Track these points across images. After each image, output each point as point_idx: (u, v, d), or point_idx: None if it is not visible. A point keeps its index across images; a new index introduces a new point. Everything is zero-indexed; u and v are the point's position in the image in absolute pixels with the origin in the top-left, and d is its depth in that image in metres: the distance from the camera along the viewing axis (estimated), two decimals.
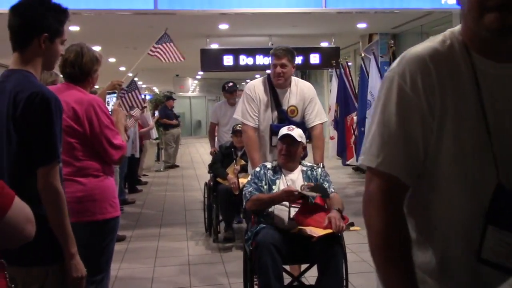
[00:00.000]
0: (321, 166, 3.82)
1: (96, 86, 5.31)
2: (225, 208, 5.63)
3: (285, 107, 4.04)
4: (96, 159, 2.75)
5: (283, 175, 3.55)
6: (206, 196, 6.30)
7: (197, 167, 12.87)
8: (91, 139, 2.72)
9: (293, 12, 7.43)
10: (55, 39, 2.10)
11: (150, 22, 7.80)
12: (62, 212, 2.03)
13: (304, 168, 3.62)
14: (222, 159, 5.96)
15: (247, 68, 11.00)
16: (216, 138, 7.09)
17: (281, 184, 3.51)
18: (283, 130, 3.60)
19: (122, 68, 17.21)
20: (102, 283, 2.83)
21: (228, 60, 10.76)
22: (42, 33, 2.04)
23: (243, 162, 5.63)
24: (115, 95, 3.43)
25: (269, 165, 3.63)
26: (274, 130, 3.92)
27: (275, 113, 4.03)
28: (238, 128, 5.61)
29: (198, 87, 28.36)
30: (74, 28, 9.52)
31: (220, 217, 5.81)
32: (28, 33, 2.03)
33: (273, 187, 3.50)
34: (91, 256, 2.73)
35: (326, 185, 3.49)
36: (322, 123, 4.15)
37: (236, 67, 10.82)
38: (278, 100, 4.04)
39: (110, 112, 3.13)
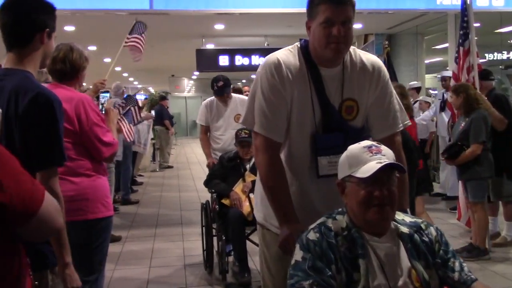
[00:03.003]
0: (409, 212, 2.06)
1: (90, 87, 5.34)
2: (239, 240, 4.29)
3: (335, 101, 2.12)
4: (88, 159, 2.75)
5: (369, 248, 1.73)
6: (204, 222, 4.71)
7: (193, 168, 12.86)
8: (81, 137, 2.72)
9: (289, 12, 7.42)
10: (52, 35, 2.08)
11: (145, 22, 7.79)
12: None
13: (405, 230, 1.80)
14: (222, 172, 4.59)
15: (243, 68, 11.00)
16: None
17: (374, 269, 1.71)
18: (364, 155, 1.76)
19: (118, 68, 17.20)
20: (96, 283, 2.82)
21: (224, 60, 10.76)
22: (44, 29, 2.00)
23: (253, 177, 4.30)
24: (109, 93, 3.44)
25: (332, 223, 1.78)
26: (319, 147, 2.09)
27: (319, 113, 2.10)
28: (244, 135, 4.53)
29: (193, 87, 28.36)
30: (69, 28, 9.51)
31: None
32: (29, 30, 1.98)
33: (355, 276, 1.69)
34: (83, 255, 2.73)
35: (455, 263, 1.80)
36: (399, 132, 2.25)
37: (232, 67, 10.82)
38: (323, 89, 2.10)
39: (102, 111, 3.13)
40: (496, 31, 10.66)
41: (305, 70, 2.09)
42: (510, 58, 11.57)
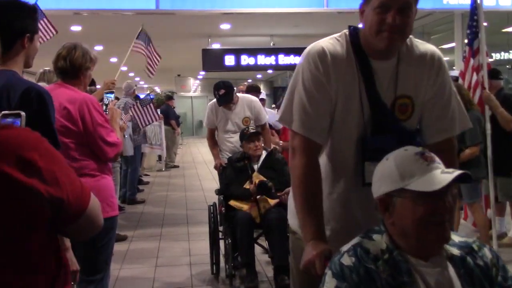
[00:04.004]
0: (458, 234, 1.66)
1: (98, 86, 5.35)
2: (246, 243, 4.14)
3: (387, 98, 1.84)
4: (92, 159, 2.75)
5: (416, 274, 1.45)
6: (212, 226, 4.52)
7: (199, 167, 12.88)
8: (85, 137, 2.72)
9: (295, 12, 7.43)
10: (34, 37, 2.10)
11: (152, 22, 7.83)
12: None
13: (456, 252, 1.52)
14: (235, 176, 4.42)
15: (248, 68, 11.02)
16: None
17: None
18: (419, 164, 1.48)
19: (124, 68, 17.24)
20: (102, 282, 2.83)
21: (229, 60, 10.77)
22: (24, 34, 2.03)
23: (261, 177, 4.28)
24: (113, 94, 3.43)
25: (370, 245, 1.50)
26: (368, 151, 1.82)
27: (368, 112, 1.83)
28: (251, 130, 4.52)
29: (199, 87, 28.39)
30: (76, 28, 9.55)
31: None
32: (9, 36, 2.00)
33: None
34: (89, 255, 2.74)
35: None
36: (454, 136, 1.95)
37: (237, 67, 10.84)
38: (374, 84, 1.83)
39: (106, 111, 3.14)
40: (503, 30, 10.61)
41: (354, 61, 1.82)
42: None
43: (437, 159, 1.50)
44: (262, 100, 6.57)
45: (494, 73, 5.20)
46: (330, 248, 1.63)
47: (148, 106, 6.75)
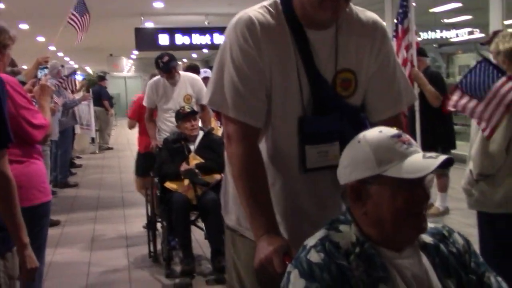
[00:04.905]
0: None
1: (24, 67, 5.13)
2: (182, 226, 4.09)
3: (327, 73, 1.63)
4: (17, 145, 2.61)
5: (393, 272, 1.30)
6: (149, 209, 4.54)
7: (134, 149, 12.65)
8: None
9: None
10: None
11: None
12: (13, 201, 1.93)
13: (429, 240, 1.39)
14: (170, 157, 4.31)
15: (183, 47, 10.91)
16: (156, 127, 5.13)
17: None
18: (397, 148, 1.30)
19: (53, 48, 16.59)
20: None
21: (163, 39, 10.61)
22: None
23: (198, 159, 4.24)
24: (46, 70, 3.28)
25: (339, 238, 1.32)
26: (307, 133, 1.62)
27: (307, 89, 1.61)
28: (187, 109, 4.45)
29: (133, 66, 27.79)
30: None
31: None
32: None
33: None
34: None
35: (490, 278, 1.42)
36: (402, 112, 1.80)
37: (172, 46, 10.68)
38: (312, 58, 1.61)
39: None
40: (430, 10, 10.97)
41: (288, 33, 1.58)
42: (444, 37, 11.95)
43: (413, 141, 1.33)
44: (207, 78, 6.45)
45: (421, 51, 5.40)
46: (288, 243, 1.44)
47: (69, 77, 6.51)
